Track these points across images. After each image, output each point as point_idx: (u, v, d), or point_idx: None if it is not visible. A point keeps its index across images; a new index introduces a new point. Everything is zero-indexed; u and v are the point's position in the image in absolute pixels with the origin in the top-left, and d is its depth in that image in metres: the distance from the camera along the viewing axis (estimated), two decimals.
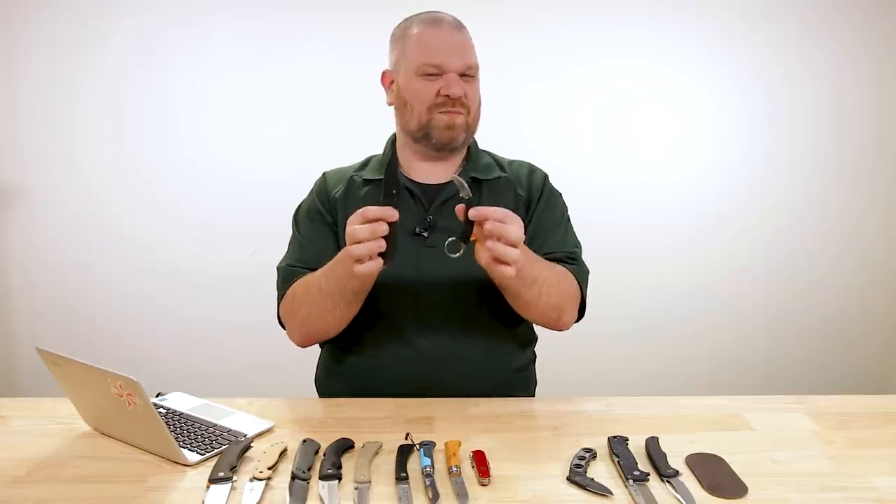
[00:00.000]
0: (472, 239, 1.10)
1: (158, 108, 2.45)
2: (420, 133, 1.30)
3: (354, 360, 1.34)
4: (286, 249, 1.38)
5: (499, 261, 1.08)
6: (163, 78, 2.43)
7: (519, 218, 1.09)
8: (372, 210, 1.08)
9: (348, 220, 1.11)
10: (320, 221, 1.35)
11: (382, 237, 1.07)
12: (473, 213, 1.07)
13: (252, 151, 2.47)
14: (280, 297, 1.33)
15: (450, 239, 1.11)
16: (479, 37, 1.32)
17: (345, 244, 1.12)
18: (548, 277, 1.21)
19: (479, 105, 1.33)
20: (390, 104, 1.35)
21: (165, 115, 2.45)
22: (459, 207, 1.10)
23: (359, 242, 1.07)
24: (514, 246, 1.07)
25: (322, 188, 1.38)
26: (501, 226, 1.06)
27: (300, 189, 1.41)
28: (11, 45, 2.39)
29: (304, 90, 2.44)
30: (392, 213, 1.08)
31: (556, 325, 1.29)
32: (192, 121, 2.46)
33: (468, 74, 1.28)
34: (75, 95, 2.43)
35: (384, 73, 1.36)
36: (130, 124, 2.45)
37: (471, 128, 1.32)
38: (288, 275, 1.32)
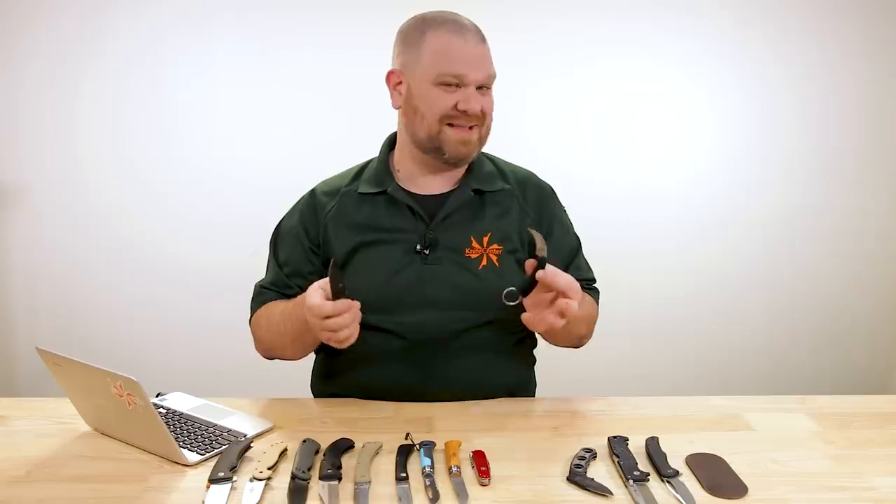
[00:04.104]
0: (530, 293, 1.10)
1: (158, 108, 2.45)
2: (430, 144, 1.24)
3: (352, 376, 1.31)
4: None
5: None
6: (163, 78, 2.43)
7: (578, 286, 1.10)
8: (327, 307, 1.06)
9: (310, 309, 1.08)
10: (299, 246, 1.32)
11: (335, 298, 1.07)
12: (542, 276, 1.07)
13: (252, 152, 2.47)
14: (251, 313, 1.38)
15: (509, 288, 1.09)
16: None
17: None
18: (580, 316, 1.19)
19: (492, 115, 1.28)
20: (397, 108, 1.28)
21: (165, 115, 2.45)
22: (530, 262, 1.08)
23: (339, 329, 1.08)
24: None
25: (311, 208, 1.34)
26: (567, 303, 1.07)
27: (300, 189, 1.40)
28: (11, 45, 2.39)
29: (305, 91, 2.44)
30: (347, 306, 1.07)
31: (576, 346, 1.35)
32: (192, 121, 2.46)
33: (485, 86, 1.23)
34: (75, 95, 2.42)
35: (390, 73, 1.27)
36: (130, 124, 2.45)
37: (483, 141, 1.28)
38: (257, 294, 1.37)
